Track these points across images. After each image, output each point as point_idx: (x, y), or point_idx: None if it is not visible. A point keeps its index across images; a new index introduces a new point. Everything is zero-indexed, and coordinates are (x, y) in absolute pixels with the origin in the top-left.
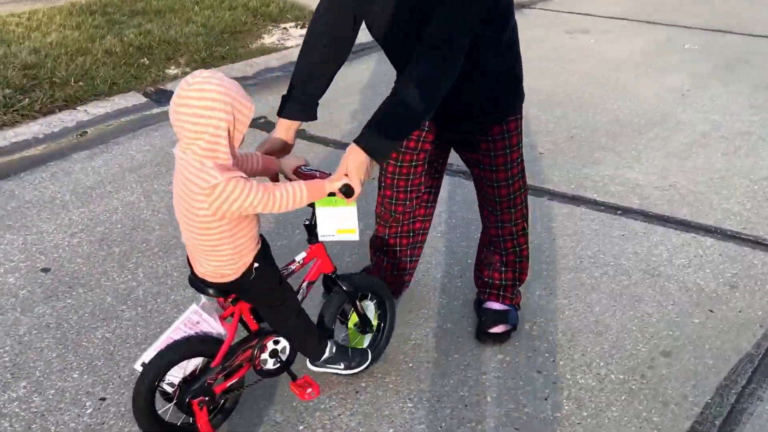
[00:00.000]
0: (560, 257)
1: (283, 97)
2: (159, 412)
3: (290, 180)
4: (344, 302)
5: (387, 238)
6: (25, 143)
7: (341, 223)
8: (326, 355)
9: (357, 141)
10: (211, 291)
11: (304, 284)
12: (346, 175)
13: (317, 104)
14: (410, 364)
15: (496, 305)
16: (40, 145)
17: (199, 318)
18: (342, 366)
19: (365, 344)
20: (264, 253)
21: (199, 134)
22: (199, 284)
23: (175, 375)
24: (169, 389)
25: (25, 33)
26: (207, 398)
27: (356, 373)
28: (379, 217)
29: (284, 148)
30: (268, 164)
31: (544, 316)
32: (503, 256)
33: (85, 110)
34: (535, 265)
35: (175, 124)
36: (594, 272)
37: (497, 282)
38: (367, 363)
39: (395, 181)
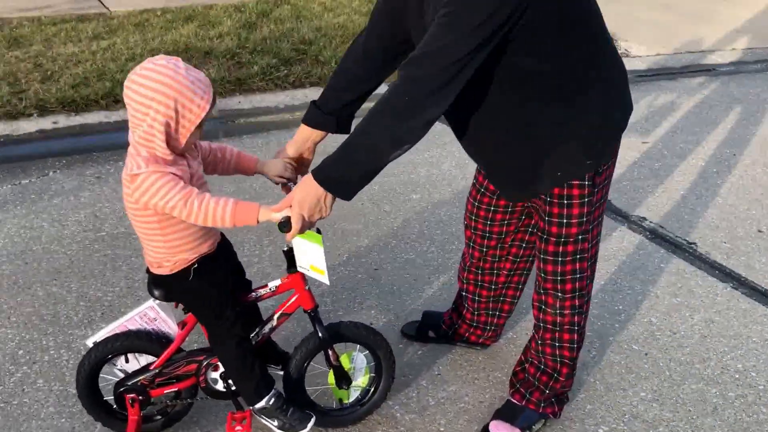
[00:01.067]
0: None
1: (312, 102)
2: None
3: (276, 184)
4: (317, 348)
5: (466, 283)
6: (265, 110)
7: (312, 260)
8: (262, 403)
9: (313, 171)
10: (156, 293)
11: (276, 315)
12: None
13: (350, 116)
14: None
15: (514, 399)
16: (276, 114)
17: (156, 315)
18: (276, 423)
19: (350, 399)
20: (214, 258)
21: (139, 121)
22: (149, 286)
23: (127, 365)
24: (120, 375)
25: (320, 12)
26: (140, 397)
27: None
28: (463, 257)
29: (300, 159)
30: (244, 163)
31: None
32: (540, 346)
33: None
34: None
35: (126, 104)
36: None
37: (528, 377)
38: (306, 428)
39: (473, 222)
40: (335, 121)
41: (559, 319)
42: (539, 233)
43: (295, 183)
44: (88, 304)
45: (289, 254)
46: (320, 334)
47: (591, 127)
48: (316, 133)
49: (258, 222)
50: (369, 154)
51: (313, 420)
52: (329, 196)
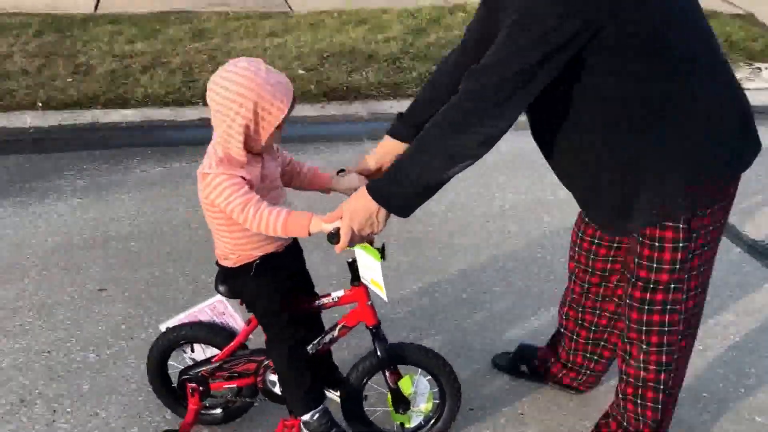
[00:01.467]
0: None
1: (398, 113)
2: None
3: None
4: (375, 367)
5: (565, 319)
6: None
7: (373, 274)
8: (306, 417)
9: (367, 185)
10: (221, 289)
11: (338, 326)
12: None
13: None
14: None
15: None
16: None
17: (225, 309)
18: None
19: (411, 424)
20: (279, 258)
21: (220, 122)
22: (215, 280)
23: (194, 354)
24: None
25: None
26: (200, 388)
27: None
28: (565, 291)
29: (379, 172)
30: (319, 180)
31: None
32: (622, 401)
33: None
34: None
35: (209, 104)
36: None
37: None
38: None
39: (576, 255)
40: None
41: (642, 374)
42: (628, 275)
43: None
44: (195, 288)
45: (353, 266)
46: (379, 353)
47: (687, 165)
48: (400, 146)
49: (309, 233)
50: (424, 170)
51: None
52: (382, 211)
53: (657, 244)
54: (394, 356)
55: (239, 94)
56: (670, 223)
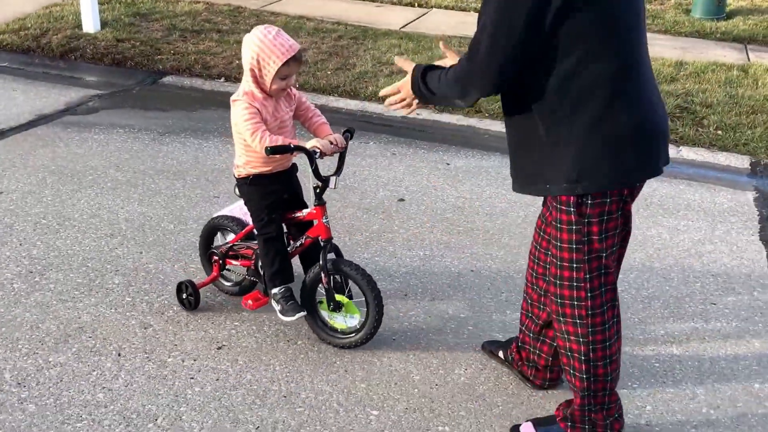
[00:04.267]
0: None
1: None
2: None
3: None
4: (318, 272)
5: (522, 312)
6: None
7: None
8: (274, 290)
9: (421, 66)
10: (236, 191)
11: (304, 236)
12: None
13: None
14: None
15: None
16: None
17: (247, 210)
18: (278, 307)
19: (337, 325)
20: (270, 178)
21: (244, 65)
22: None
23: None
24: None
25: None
26: (219, 261)
27: (287, 322)
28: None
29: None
30: (319, 134)
31: None
32: (565, 369)
33: None
34: None
35: None
36: None
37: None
38: (294, 318)
39: (531, 249)
40: None
41: (567, 344)
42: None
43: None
44: None
45: (315, 190)
46: (321, 261)
47: (569, 155)
48: None
49: (292, 147)
50: (440, 96)
51: (302, 314)
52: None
53: (557, 225)
54: (332, 266)
55: (249, 45)
56: (564, 207)
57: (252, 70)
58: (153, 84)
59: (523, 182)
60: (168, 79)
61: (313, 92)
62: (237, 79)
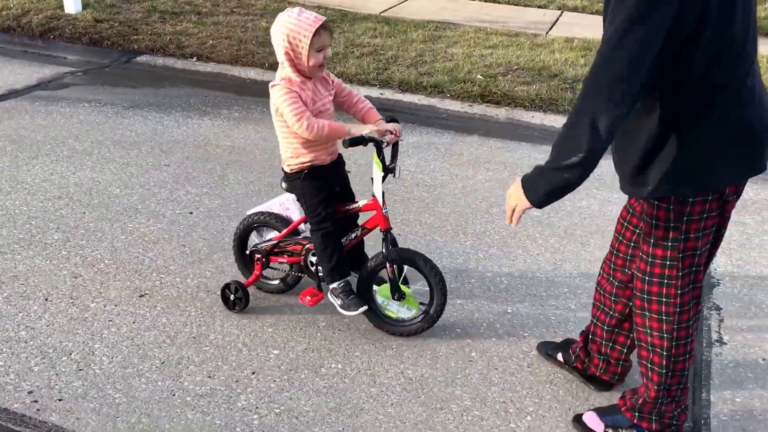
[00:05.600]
0: None
1: None
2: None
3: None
4: (381, 261)
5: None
6: None
7: (377, 180)
8: (333, 285)
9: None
10: (283, 185)
11: (360, 228)
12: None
13: None
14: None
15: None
16: None
17: (290, 206)
18: (338, 302)
19: (399, 315)
20: (324, 170)
21: (276, 51)
22: (282, 180)
23: (262, 235)
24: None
25: None
26: (263, 258)
27: (350, 316)
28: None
29: None
30: (367, 119)
31: None
32: (642, 363)
33: None
34: None
35: None
36: None
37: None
38: (356, 312)
39: (613, 239)
40: None
41: (649, 339)
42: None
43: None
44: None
45: (374, 179)
46: (384, 251)
47: (677, 156)
48: None
49: (347, 134)
50: (558, 160)
51: (364, 308)
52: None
53: (653, 222)
54: (396, 256)
55: (278, 30)
56: (664, 205)
57: (287, 53)
58: (127, 62)
59: (627, 183)
60: (142, 58)
61: None
62: (210, 59)
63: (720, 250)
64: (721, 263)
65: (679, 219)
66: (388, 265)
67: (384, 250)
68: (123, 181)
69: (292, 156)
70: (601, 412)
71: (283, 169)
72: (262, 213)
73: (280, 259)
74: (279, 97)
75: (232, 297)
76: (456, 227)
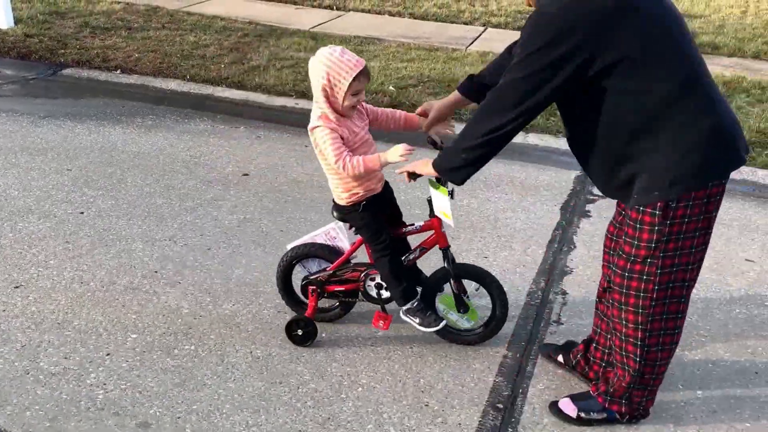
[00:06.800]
0: None
1: (470, 75)
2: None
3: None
4: (444, 277)
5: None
6: None
7: (443, 207)
8: (407, 306)
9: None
10: (335, 214)
11: (419, 248)
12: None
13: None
14: None
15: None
16: None
17: (337, 234)
18: (417, 321)
19: (461, 326)
20: (379, 197)
21: (313, 88)
22: (332, 210)
23: (310, 267)
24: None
25: None
26: (318, 289)
27: (431, 332)
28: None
29: (440, 115)
30: (410, 121)
31: None
32: (615, 350)
33: None
34: None
35: None
36: None
37: (608, 378)
38: (437, 328)
39: (603, 254)
40: (479, 94)
41: (624, 329)
42: (618, 249)
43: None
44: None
45: (430, 203)
46: (447, 267)
47: (658, 165)
48: (463, 101)
49: (381, 164)
50: (456, 151)
51: (444, 323)
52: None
53: (638, 225)
54: (461, 271)
55: (318, 66)
56: (649, 210)
57: (324, 90)
58: (52, 75)
59: (611, 191)
60: (67, 71)
61: (203, 83)
62: (133, 71)
63: (580, 241)
64: (577, 254)
65: (663, 223)
66: (452, 280)
67: (447, 266)
68: (23, 185)
69: (344, 191)
70: (575, 398)
71: (334, 201)
72: (305, 245)
73: (336, 288)
74: (320, 138)
75: (300, 332)
76: None
